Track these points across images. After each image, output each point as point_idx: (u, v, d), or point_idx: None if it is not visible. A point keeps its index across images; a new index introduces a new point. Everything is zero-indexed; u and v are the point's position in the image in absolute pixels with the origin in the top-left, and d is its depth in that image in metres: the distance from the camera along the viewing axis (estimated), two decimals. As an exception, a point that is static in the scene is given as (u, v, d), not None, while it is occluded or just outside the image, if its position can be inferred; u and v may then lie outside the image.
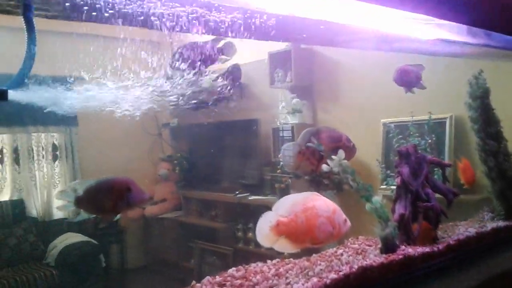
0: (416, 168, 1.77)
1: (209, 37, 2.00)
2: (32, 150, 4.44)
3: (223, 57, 2.01)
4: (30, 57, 0.96)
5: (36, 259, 4.02)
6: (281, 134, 3.78)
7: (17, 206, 4.26)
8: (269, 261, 1.59)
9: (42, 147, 4.51)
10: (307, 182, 3.52)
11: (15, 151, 4.35)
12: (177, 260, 4.70)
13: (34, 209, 4.42)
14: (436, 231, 1.76)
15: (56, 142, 4.59)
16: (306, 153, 1.89)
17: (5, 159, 4.31)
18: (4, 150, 4.32)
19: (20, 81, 0.98)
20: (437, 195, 1.79)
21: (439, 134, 2.75)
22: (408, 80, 2.00)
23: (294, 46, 3.55)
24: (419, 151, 1.85)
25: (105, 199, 1.24)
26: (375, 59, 2.93)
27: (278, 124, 3.72)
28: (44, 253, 4.09)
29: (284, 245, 1.39)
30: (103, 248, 4.37)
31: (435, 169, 2.13)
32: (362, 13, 1.26)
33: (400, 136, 2.57)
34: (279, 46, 3.64)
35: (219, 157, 4.47)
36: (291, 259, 1.60)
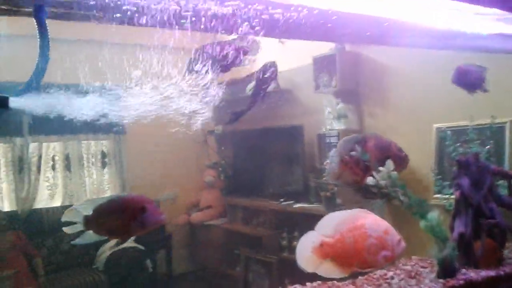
0: (478, 179, 1.57)
1: (231, 37, 1.85)
2: (83, 157, 4.57)
3: (248, 57, 1.85)
4: (42, 62, 0.93)
5: (85, 264, 4.12)
6: (326, 140, 3.68)
7: (69, 212, 4.39)
8: (308, 284, 1.43)
9: (92, 154, 4.63)
10: (354, 190, 3.39)
11: (67, 158, 4.50)
12: (222, 267, 4.68)
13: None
14: (502, 251, 1.55)
15: (105, 150, 4.70)
16: (349, 163, 1.71)
17: (57, 166, 4.46)
18: (56, 158, 4.47)
19: (29, 87, 0.96)
20: (502, 209, 1.58)
21: (498, 141, 2.54)
22: (469, 81, 1.79)
23: (339, 49, 3.44)
24: (481, 160, 1.64)
25: (117, 220, 1.12)
26: (424, 59, 2.78)
27: (324, 130, 3.62)
28: (93, 258, 4.18)
29: (328, 270, 1.20)
30: (150, 253, 4.42)
31: (501, 181, 1.90)
32: (415, 7, 1.15)
33: (458, 144, 2.37)
34: (323, 50, 3.55)
35: (263, 164, 4.41)
36: (335, 281, 1.44)
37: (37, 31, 0.95)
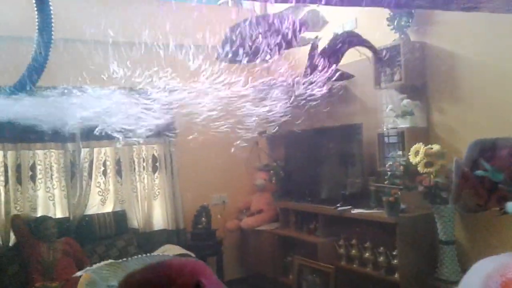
0: None
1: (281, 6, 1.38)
2: (134, 162, 4.51)
3: (306, 34, 1.41)
4: (44, 50, 0.75)
5: (137, 270, 4.03)
6: (388, 140, 3.39)
7: (120, 218, 4.34)
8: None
9: (143, 159, 4.56)
10: (421, 196, 3.08)
11: (118, 163, 4.45)
12: (274, 274, 4.47)
13: (135, 220, 4.48)
14: None
15: (156, 154, 4.62)
16: (469, 179, 1.24)
17: (108, 171, 4.42)
18: (108, 163, 4.43)
19: (22, 85, 0.79)
20: None
21: None
22: None
23: (403, 39, 3.15)
24: None
25: None
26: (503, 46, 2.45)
27: (385, 129, 3.33)
28: (144, 264, 4.09)
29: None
30: (201, 260, 4.28)
31: None
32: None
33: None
34: (385, 41, 3.26)
35: (318, 166, 4.17)
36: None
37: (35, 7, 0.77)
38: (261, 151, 5.11)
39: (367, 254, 3.47)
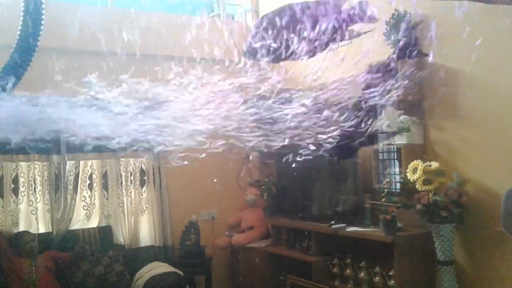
0: None
1: None
2: (121, 175, 4.37)
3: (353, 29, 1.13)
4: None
5: (122, 289, 3.88)
6: (383, 157, 3.31)
7: (105, 233, 4.19)
8: None
9: (131, 172, 4.43)
10: (419, 214, 3.00)
11: (104, 176, 4.31)
12: (266, 293, 4.34)
13: (122, 235, 4.33)
14: None
15: (144, 167, 4.49)
16: None
17: (94, 184, 4.27)
18: (94, 176, 4.28)
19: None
20: None
21: None
22: None
23: (400, 56, 3.10)
24: None
25: None
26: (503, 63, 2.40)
27: (381, 145, 3.26)
28: (130, 282, 3.94)
29: None
30: (189, 279, 4.15)
31: None
32: None
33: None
34: (380, 56, 3.20)
35: (311, 182, 4.07)
36: None
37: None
38: (252, 166, 5.01)
39: (362, 274, 3.36)
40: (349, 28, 1.15)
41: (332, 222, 3.63)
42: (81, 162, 4.18)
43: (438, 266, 2.98)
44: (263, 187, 4.65)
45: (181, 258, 4.39)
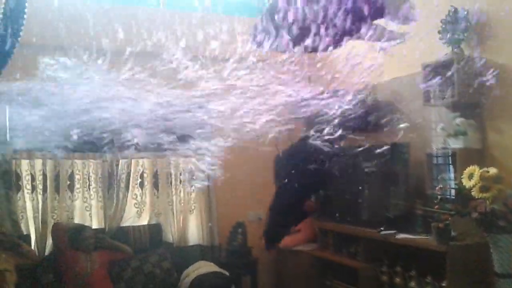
0: None
1: None
2: (171, 174, 4.45)
3: (383, 26, 0.95)
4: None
5: (169, 287, 3.94)
6: (437, 161, 3.16)
7: (155, 231, 4.28)
8: None
9: (180, 172, 4.51)
10: (475, 223, 2.82)
11: (155, 175, 4.41)
12: (312, 298, 4.27)
13: (170, 234, 4.41)
14: None
15: (193, 167, 4.55)
16: None
17: (145, 183, 4.38)
18: (145, 175, 4.40)
19: None
20: None
21: None
22: None
23: (457, 54, 2.94)
24: None
25: None
26: None
27: (434, 149, 3.11)
28: (177, 281, 4.00)
29: None
30: (235, 279, 4.16)
31: None
32: None
33: None
34: (437, 55, 3.06)
35: (360, 186, 3.96)
36: None
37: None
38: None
39: (412, 284, 3.22)
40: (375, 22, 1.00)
41: (382, 228, 3.51)
42: (133, 161, 4.30)
43: (495, 278, 2.79)
44: (311, 189, 4.58)
45: (227, 258, 4.41)
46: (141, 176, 4.38)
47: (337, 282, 3.87)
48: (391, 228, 3.46)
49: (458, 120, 2.90)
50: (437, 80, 3.05)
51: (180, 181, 4.48)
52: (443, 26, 3.17)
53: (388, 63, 3.03)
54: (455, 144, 2.96)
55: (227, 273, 3.96)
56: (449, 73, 2.98)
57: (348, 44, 2.72)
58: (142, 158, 4.36)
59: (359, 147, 3.76)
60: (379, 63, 3.49)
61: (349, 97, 2.65)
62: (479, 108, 3.01)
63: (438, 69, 3.08)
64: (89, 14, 3.16)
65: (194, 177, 4.34)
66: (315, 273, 4.25)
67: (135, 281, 3.87)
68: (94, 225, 4.13)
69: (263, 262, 4.65)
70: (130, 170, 4.28)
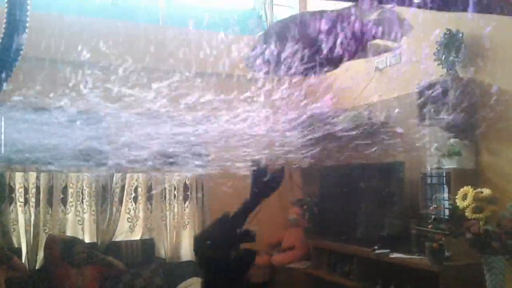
0: None
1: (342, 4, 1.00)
2: (165, 189, 4.44)
3: (378, 43, 1.03)
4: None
5: (161, 303, 3.90)
6: (431, 181, 3.17)
7: (147, 246, 4.25)
8: None
9: (175, 187, 4.49)
10: (468, 243, 2.83)
11: (149, 190, 4.39)
12: (305, 317, 4.23)
13: (163, 249, 4.37)
14: None
15: (188, 182, 4.55)
16: None
17: (139, 197, 4.36)
18: (139, 189, 4.38)
19: None
20: None
21: None
22: None
23: (452, 76, 2.98)
24: None
25: None
26: None
27: (429, 169, 3.12)
28: (169, 296, 3.96)
29: None
30: (227, 297, 4.11)
31: None
32: None
33: None
34: (432, 76, 3.10)
35: (354, 204, 3.96)
36: None
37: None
38: (294, 185, 4.95)
39: (406, 303, 3.20)
40: (373, 42, 1.03)
41: (376, 247, 3.50)
42: (127, 175, 4.29)
43: (489, 300, 2.79)
44: (305, 206, 4.58)
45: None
46: (135, 191, 4.36)
47: (331, 301, 3.84)
48: (385, 247, 3.45)
49: (453, 141, 2.93)
50: (431, 100, 3.08)
51: (174, 196, 4.47)
52: (438, 48, 3.22)
53: (384, 83, 3.07)
54: (449, 164, 2.98)
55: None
56: (444, 94, 3.01)
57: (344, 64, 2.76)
58: (137, 172, 4.34)
59: (354, 165, 3.78)
60: (375, 83, 3.54)
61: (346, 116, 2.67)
62: (474, 129, 3.04)
63: (432, 90, 3.12)
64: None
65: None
66: (309, 291, 4.23)
67: (127, 297, 3.83)
68: (87, 239, 4.09)
69: (256, 280, 4.62)
70: (125, 184, 4.26)
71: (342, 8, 0.99)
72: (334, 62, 0.97)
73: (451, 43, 3.17)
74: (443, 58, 3.20)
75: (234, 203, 4.60)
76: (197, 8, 4.79)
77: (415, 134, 3.40)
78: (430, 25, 2.90)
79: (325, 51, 0.95)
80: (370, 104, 3.65)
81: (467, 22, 3.02)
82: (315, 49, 0.96)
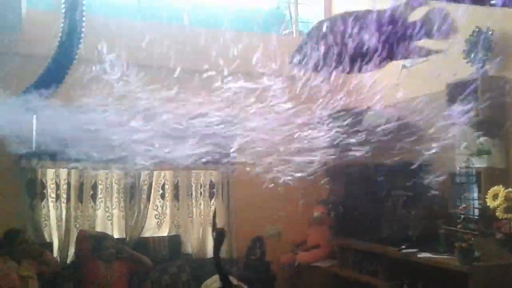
0: None
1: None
2: (191, 186, 4.50)
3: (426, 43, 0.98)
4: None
5: (187, 299, 3.96)
6: (461, 180, 3.13)
7: (174, 242, 4.32)
8: None
9: (201, 184, 4.55)
10: (498, 243, 2.79)
11: (176, 187, 4.46)
12: (330, 316, 4.23)
13: (189, 245, 4.44)
14: None
15: (213, 180, 4.60)
16: None
17: (166, 195, 4.43)
18: (166, 186, 4.45)
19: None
20: None
21: None
22: None
23: (481, 74, 2.93)
24: None
25: None
26: None
27: (457, 168, 3.08)
28: (196, 292, 4.02)
29: None
30: (253, 293, 4.15)
31: None
32: None
33: None
34: (461, 74, 3.06)
35: (381, 203, 3.94)
36: None
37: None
38: (319, 183, 4.94)
39: (433, 304, 3.17)
40: (419, 43, 1.03)
41: (403, 247, 3.48)
42: (155, 172, 4.36)
43: (520, 301, 2.74)
44: (330, 205, 4.57)
45: (245, 272, 4.40)
46: (163, 188, 4.43)
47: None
48: (413, 247, 3.42)
49: (482, 139, 2.89)
50: (460, 99, 3.04)
51: (201, 193, 4.52)
52: (468, 45, 3.17)
53: (412, 81, 3.04)
54: (479, 163, 2.94)
55: (245, 287, 3.95)
56: (473, 92, 2.97)
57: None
58: (164, 170, 4.41)
59: (381, 164, 3.76)
60: (403, 81, 3.50)
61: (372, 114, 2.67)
62: (504, 127, 2.99)
63: (462, 88, 3.07)
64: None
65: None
66: (334, 290, 4.22)
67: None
68: (115, 235, 4.18)
69: (282, 277, 4.63)
70: (152, 181, 4.34)
71: (388, 7, 1.00)
72: (378, 61, 0.97)
73: (480, 41, 3.12)
74: (472, 55, 3.16)
75: (257, 201, 4.64)
76: (221, 7, 4.83)
77: (443, 132, 3.36)
78: (459, 23, 2.86)
79: (369, 51, 0.95)
80: (397, 103, 3.62)
81: (497, 19, 2.97)
82: (359, 48, 0.97)
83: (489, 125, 2.98)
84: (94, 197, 4.16)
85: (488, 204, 2.80)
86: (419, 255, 3.31)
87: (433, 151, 3.22)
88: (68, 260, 3.99)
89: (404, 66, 3.61)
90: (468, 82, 3.03)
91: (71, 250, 3.99)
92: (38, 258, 3.64)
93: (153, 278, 3.96)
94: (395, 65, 3.71)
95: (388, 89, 3.21)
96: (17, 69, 3.19)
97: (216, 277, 4.07)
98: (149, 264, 3.96)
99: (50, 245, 3.93)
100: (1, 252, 3.45)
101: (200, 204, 4.52)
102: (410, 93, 3.54)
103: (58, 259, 3.92)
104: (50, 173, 4.03)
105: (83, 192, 4.09)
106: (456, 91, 3.13)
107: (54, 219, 4.01)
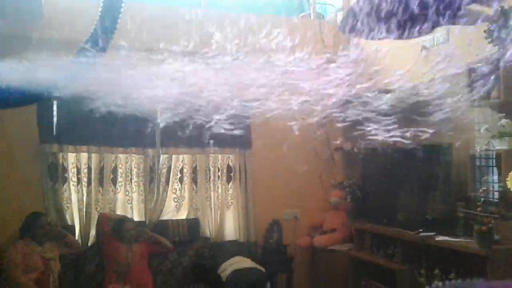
0: None
1: None
2: (209, 170, 4.53)
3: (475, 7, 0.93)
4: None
5: (206, 280, 4.02)
6: (480, 163, 3.09)
7: (193, 225, 4.37)
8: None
9: (218, 168, 4.58)
10: (520, 227, 2.76)
11: (194, 171, 4.50)
12: (346, 298, 4.25)
13: (208, 229, 4.49)
14: None
15: (231, 164, 4.62)
16: None
17: (185, 178, 4.48)
18: (184, 170, 4.49)
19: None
20: None
21: None
22: None
23: (503, 54, 2.86)
24: None
25: None
26: None
27: (478, 150, 3.04)
28: (214, 274, 4.07)
29: None
30: (271, 276, 4.19)
31: None
32: None
33: None
34: (482, 55, 2.99)
35: (398, 187, 3.91)
36: None
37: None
38: (336, 167, 4.93)
39: (451, 286, 3.16)
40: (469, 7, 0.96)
41: (420, 230, 3.47)
42: (173, 156, 4.41)
43: (540, 285, 2.71)
44: (347, 189, 4.57)
45: (263, 255, 4.45)
46: (181, 171, 4.47)
47: (373, 283, 3.85)
48: (431, 230, 3.41)
49: (504, 121, 2.83)
50: (482, 80, 2.98)
51: (218, 177, 4.56)
52: (489, 25, 3.09)
53: (431, 62, 2.99)
54: (500, 145, 2.88)
55: (263, 270, 4.00)
56: (495, 74, 2.90)
57: (391, 43, 2.69)
58: (182, 154, 4.45)
59: (399, 147, 3.72)
60: (423, 62, 3.45)
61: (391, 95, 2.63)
62: (526, 109, 2.93)
63: (483, 69, 3.01)
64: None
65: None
66: (351, 273, 4.24)
67: (174, 273, 3.97)
68: (135, 218, 4.25)
69: (299, 261, 4.67)
70: (171, 165, 4.38)
71: None
72: (428, 25, 0.93)
73: (502, 20, 3.04)
74: (494, 35, 3.08)
75: (274, 185, 4.65)
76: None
77: (464, 114, 3.30)
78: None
79: (419, 14, 0.91)
80: (417, 84, 3.57)
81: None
82: (409, 11, 0.94)
83: (511, 107, 2.92)
84: (114, 181, 4.22)
85: (508, 187, 2.76)
86: (437, 238, 3.30)
87: (452, 133, 3.18)
88: (90, 243, 4.07)
89: (424, 47, 3.55)
90: (490, 63, 2.97)
91: (92, 233, 4.07)
92: (61, 240, 3.74)
93: (173, 260, 4.03)
94: (414, 46, 3.66)
95: (408, 70, 3.16)
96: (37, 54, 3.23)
97: (234, 259, 4.14)
98: (168, 246, 4.03)
99: (72, 228, 4.02)
100: (24, 235, 3.55)
101: (217, 188, 4.55)
102: (431, 75, 3.49)
103: (80, 242, 4.01)
104: (72, 157, 4.11)
105: (104, 176, 4.16)
106: (477, 72, 3.07)
107: (75, 203, 4.10)
